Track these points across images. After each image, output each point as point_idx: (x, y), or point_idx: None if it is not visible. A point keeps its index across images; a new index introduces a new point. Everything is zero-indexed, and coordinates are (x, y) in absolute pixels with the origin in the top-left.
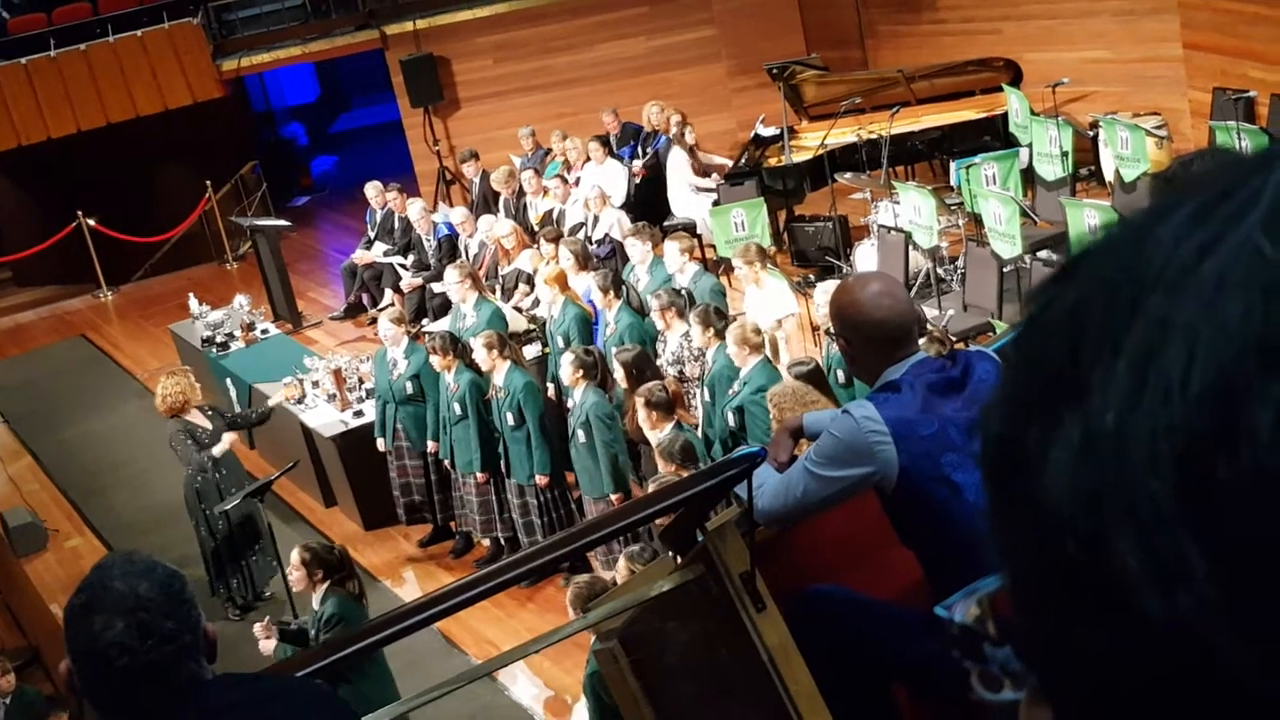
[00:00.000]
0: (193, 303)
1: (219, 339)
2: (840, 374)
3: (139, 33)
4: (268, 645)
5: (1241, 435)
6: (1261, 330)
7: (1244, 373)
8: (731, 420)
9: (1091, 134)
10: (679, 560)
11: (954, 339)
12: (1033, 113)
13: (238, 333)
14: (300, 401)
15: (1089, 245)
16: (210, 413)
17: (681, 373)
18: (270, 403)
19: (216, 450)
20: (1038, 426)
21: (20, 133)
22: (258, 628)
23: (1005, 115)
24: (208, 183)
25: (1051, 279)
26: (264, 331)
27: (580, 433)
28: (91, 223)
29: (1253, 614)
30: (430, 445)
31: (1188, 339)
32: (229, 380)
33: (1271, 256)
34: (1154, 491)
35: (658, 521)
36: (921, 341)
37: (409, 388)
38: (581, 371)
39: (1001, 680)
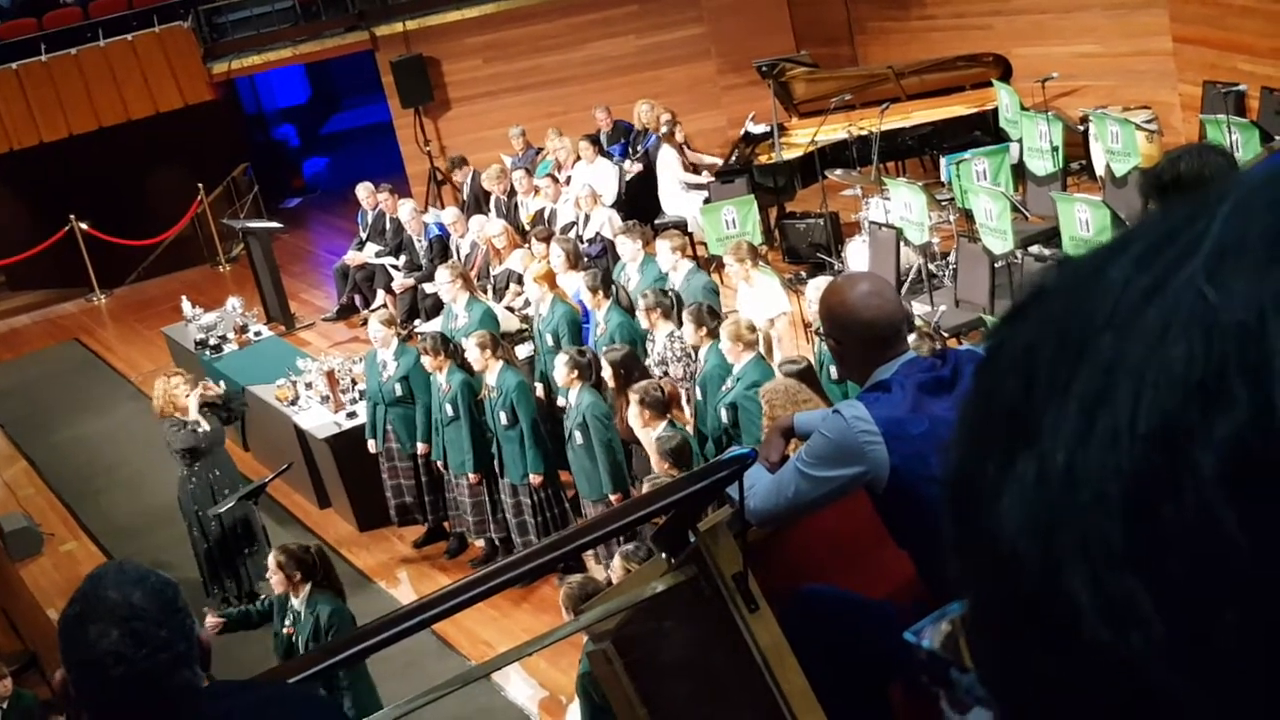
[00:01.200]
0: (185, 305)
1: (212, 341)
2: (832, 371)
3: (129, 36)
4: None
5: (1185, 477)
6: (1203, 374)
7: (1187, 416)
8: (725, 417)
9: (1082, 128)
10: (672, 561)
11: (946, 335)
12: (1023, 108)
13: (231, 335)
14: (294, 403)
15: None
16: (207, 411)
17: (666, 373)
18: (225, 388)
19: (192, 414)
20: (993, 462)
21: (12, 137)
22: (208, 622)
23: (995, 110)
24: (199, 185)
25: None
26: (257, 334)
27: (578, 434)
28: (84, 226)
29: (1199, 652)
30: (420, 447)
31: (1134, 382)
32: (222, 383)
33: (1214, 301)
34: (1103, 531)
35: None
36: (911, 339)
37: (398, 389)
38: (577, 372)
39: (969, 703)
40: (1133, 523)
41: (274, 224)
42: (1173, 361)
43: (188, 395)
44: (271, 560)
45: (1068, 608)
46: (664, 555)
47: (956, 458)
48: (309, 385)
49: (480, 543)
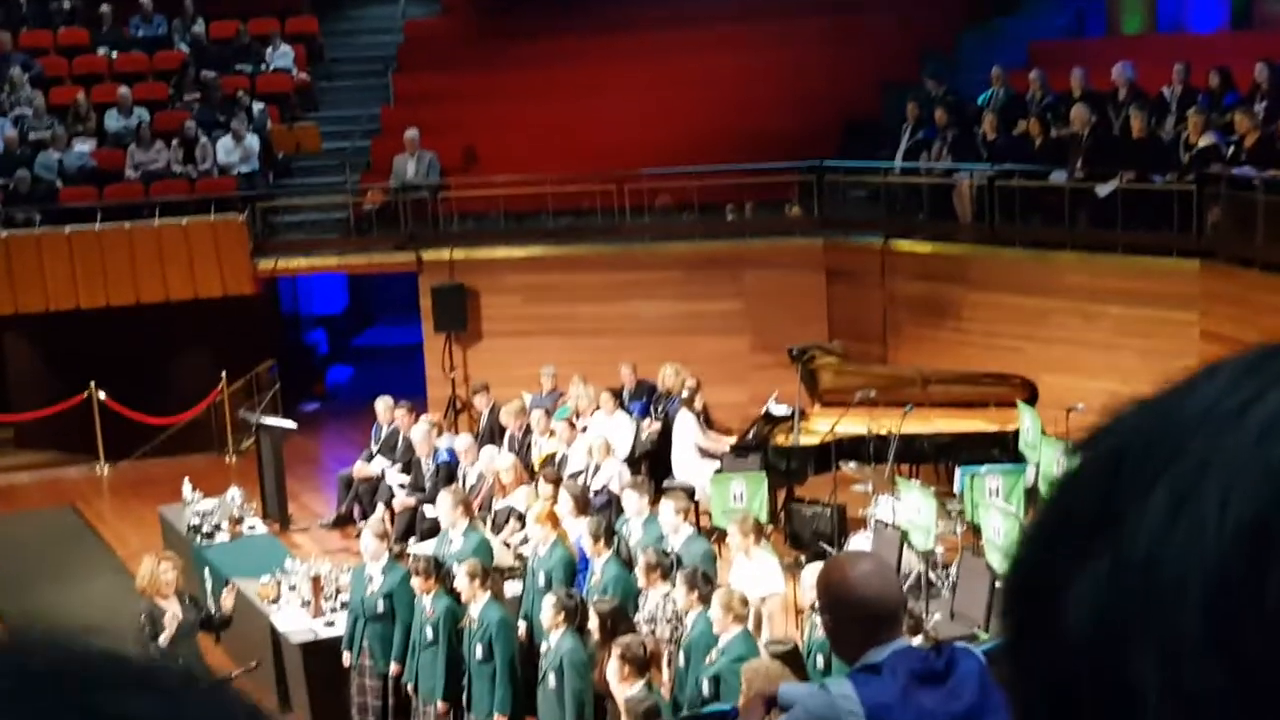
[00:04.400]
0: (186, 488)
1: (206, 529)
2: (820, 658)
3: (184, 220)
4: None
5: (1271, 572)
6: None
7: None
8: (706, 689)
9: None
10: None
11: (938, 640)
12: (1044, 433)
13: (225, 524)
14: (274, 601)
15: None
16: (188, 603)
17: (653, 632)
18: (226, 606)
19: (161, 639)
20: (1066, 557)
21: (50, 298)
22: None
23: (1016, 432)
24: (223, 374)
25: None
26: (251, 527)
27: (551, 677)
28: (102, 395)
29: None
30: (393, 668)
31: (1227, 477)
32: (206, 570)
33: None
34: (1180, 620)
35: None
36: (917, 640)
37: (380, 605)
38: (563, 614)
39: None
40: (1213, 614)
41: (289, 423)
42: (1271, 459)
43: (170, 580)
44: None
45: (1131, 699)
46: None
47: (1024, 558)
48: (293, 587)
49: None
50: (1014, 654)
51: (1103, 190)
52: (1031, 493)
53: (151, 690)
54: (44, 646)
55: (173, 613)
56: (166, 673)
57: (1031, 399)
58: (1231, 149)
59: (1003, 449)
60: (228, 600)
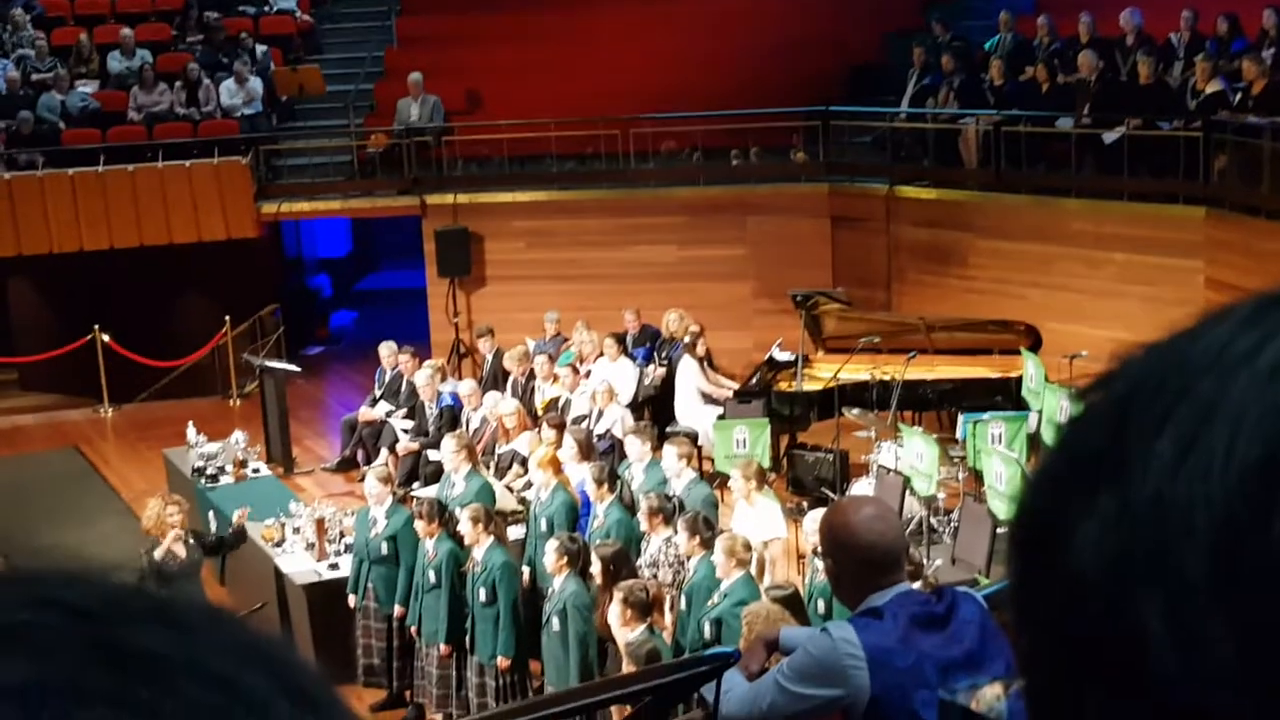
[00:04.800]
0: (190, 431)
1: (210, 471)
2: (821, 603)
3: (187, 163)
4: None
5: (1277, 511)
6: None
7: None
8: (707, 631)
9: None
10: None
11: (939, 585)
12: (1047, 380)
13: (229, 467)
14: (279, 545)
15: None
16: (191, 542)
17: (655, 576)
18: (235, 522)
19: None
20: (1073, 500)
21: (54, 240)
22: None
23: (1019, 379)
24: (226, 318)
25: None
26: (255, 470)
27: (555, 620)
28: (106, 338)
29: (1265, 689)
30: (397, 610)
31: (1235, 418)
32: (211, 513)
33: None
34: (1185, 561)
35: (615, 715)
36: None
37: (384, 548)
38: (566, 559)
39: None
40: (1218, 554)
41: (292, 367)
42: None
43: (176, 522)
44: None
45: (1136, 639)
46: None
47: (1030, 501)
48: (297, 530)
49: (439, 717)
50: (1019, 598)
51: (1109, 137)
52: (1034, 439)
53: (170, 624)
54: (58, 579)
55: (177, 553)
56: (185, 607)
57: (1035, 346)
58: (1239, 96)
59: (1006, 396)
60: (238, 520)
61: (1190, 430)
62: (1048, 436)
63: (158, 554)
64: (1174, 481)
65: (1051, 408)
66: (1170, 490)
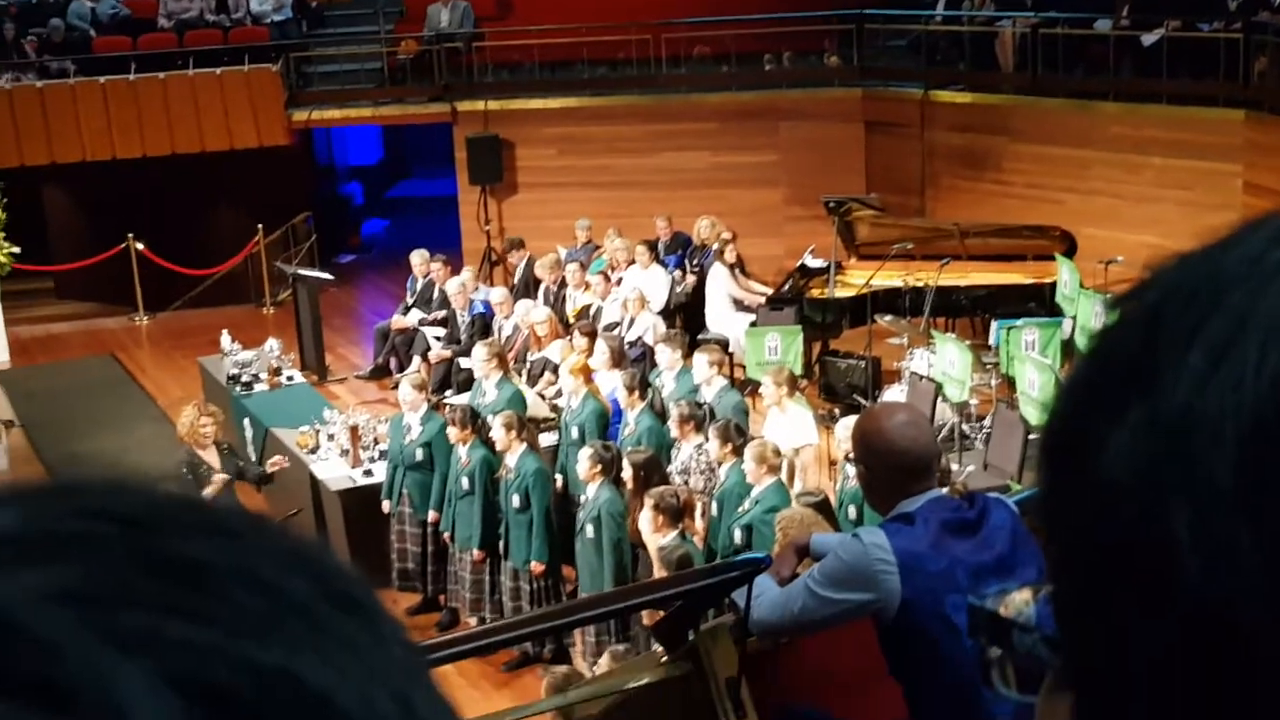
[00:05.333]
0: (225, 339)
1: (244, 378)
2: (852, 509)
3: (218, 70)
4: None
5: None
6: None
7: None
8: (738, 537)
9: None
10: (666, 656)
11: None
12: (1082, 286)
13: (263, 375)
14: (313, 451)
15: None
16: (226, 451)
17: (686, 482)
18: (269, 468)
19: (207, 492)
20: (1105, 408)
21: (87, 148)
22: None
23: (1054, 284)
24: (259, 226)
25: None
26: (289, 378)
27: (590, 528)
28: (140, 247)
29: None
30: (431, 515)
31: (1266, 330)
32: (246, 420)
33: None
34: (1213, 470)
35: (647, 619)
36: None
37: (419, 454)
38: (599, 467)
39: (1024, 667)
40: (1246, 464)
41: (325, 275)
42: None
43: (209, 434)
44: None
45: (1164, 548)
46: (659, 649)
47: (1061, 411)
48: (331, 437)
49: (473, 620)
50: (1049, 505)
51: (1148, 39)
52: (1068, 346)
53: (215, 532)
54: (105, 489)
55: (212, 463)
56: (229, 514)
57: (1070, 251)
58: None
59: (1040, 302)
60: (272, 467)
61: (1220, 343)
62: (1082, 343)
63: (195, 463)
64: (1204, 392)
65: (1086, 314)
66: (1200, 401)
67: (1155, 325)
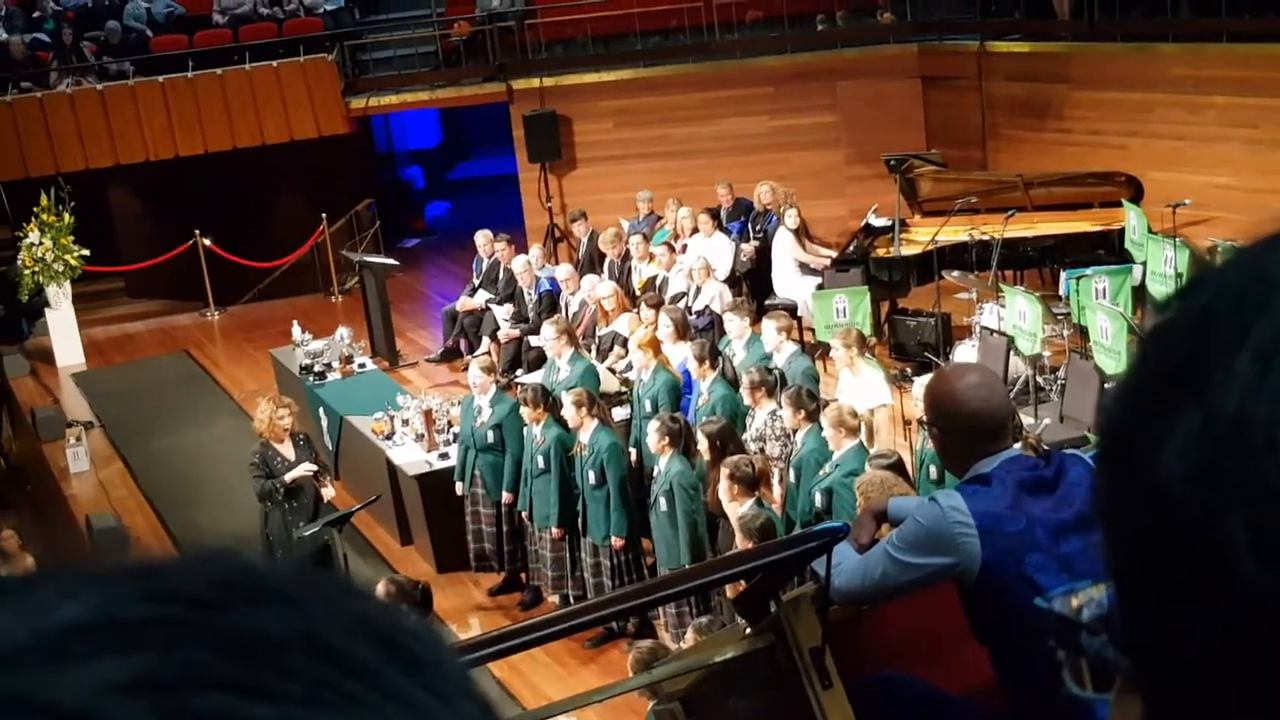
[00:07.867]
0: (296, 330)
1: (317, 368)
2: (933, 470)
3: (274, 63)
4: None
5: None
6: None
7: None
8: (819, 501)
9: (1209, 258)
10: (749, 629)
11: (1046, 449)
12: (1150, 231)
13: (335, 364)
14: (389, 438)
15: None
16: (302, 442)
17: (762, 450)
18: (326, 495)
19: (288, 477)
20: (1158, 413)
21: (150, 148)
22: None
23: (1122, 231)
24: (323, 215)
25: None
26: (361, 366)
27: (662, 500)
28: (207, 243)
29: None
30: (505, 496)
31: None
32: (321, 409)
33: None
34: (1267, 474)
35: (729, 592)
36: (1016, 447)
37: (490, 436)
38: (668, 439)
39: (1097, 666)
40: None
41: (391, 261)
42: None
43: (287, 426)
44: (380, 589)
45: (1222, 549)
46: (742, 621)
47: (1116, 413)
48: (405, 422)
49: (556, 599)
50: (1106, 507)
51: None
52: (1139, 292)
53: (280, 601)
54: (170, 569)
55: (287, 455)
56: (294, 579)
57: (1136, 196)
58: None
59: (1108, 249)
60: (326, 492)
61: (1270, 346)
62: (1153, 289)
63: (269, 456)
64: (1255, 399)
65: (1156, 259)
66: (1252, 406)
67: (1204, 328)
